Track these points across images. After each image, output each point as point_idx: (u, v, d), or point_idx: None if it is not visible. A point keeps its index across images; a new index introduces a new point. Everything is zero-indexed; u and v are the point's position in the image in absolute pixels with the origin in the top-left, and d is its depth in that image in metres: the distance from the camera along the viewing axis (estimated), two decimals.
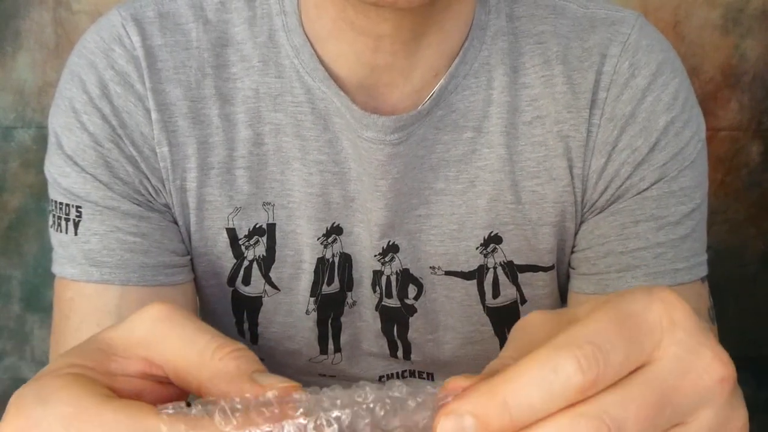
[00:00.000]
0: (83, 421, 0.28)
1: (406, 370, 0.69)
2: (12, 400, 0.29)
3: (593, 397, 0.26)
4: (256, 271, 0.63)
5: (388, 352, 0.67)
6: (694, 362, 0.28)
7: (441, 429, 0.27)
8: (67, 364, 0.30)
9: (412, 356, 0.67)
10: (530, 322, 0.31)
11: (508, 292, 0.64)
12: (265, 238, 0.62)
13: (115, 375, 0.31)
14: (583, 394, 0.26)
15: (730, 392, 0.28)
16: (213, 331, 0.31)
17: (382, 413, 0.28)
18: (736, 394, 0.29)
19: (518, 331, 0.32)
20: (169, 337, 0.30)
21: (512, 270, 0.64)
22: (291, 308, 0.65)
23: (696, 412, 0.28)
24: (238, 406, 0.27)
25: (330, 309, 0.65)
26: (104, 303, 0.58)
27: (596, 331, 0.27)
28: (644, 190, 0.60)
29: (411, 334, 0.66)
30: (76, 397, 0.28)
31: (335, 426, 0.28)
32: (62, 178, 0.59)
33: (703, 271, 0.63)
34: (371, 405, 0.28)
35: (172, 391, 0.32)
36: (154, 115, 0.59)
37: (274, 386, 0.28)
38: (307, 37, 0.59)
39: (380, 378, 0.69)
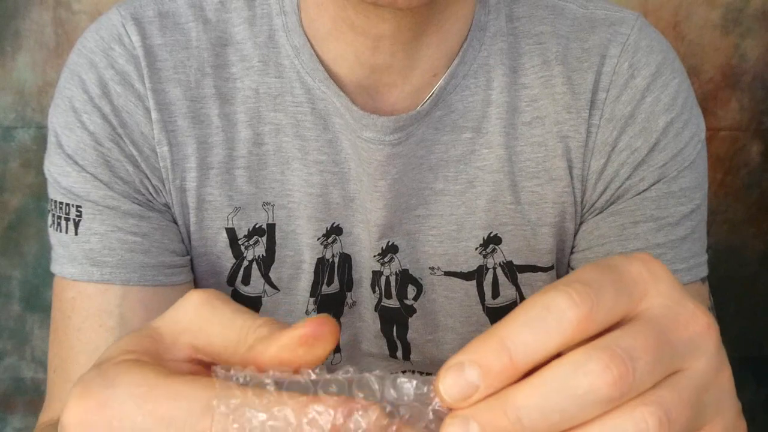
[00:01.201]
0: (156, 396, 0.27)
1: (405, 371, 0.69)
2: (76, 386, 0.29)
3: (604, 335, 0.26)
4: (255, 271, 0.63)
5: (387, 352, 0.67)
6: (680, 311, 0.28)
7: (444, 384, 0.26)
8: (121, 351, 0.30)
9: (412, 356, 0.67)
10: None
11: (507, 293, 0.64)
12: (264, 239, 0.62)
13: (166, 361, 0.31)
14: (580, 329, 0.26)
15: (718, 340, 0.29)
16: (250, 312, 0.31)
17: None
18: (722, 344, 0.29)
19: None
20: (211, 322, 0.30)
21: (512, 270, 0.64)
22: (291, 308, 0.65)
23: (690, 358, 0.28)
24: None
25: (329, 309, 0.65)
26: (106, 303, 0.58)
27: (583, 273, 0.27)
28: (644, 190, 0.60)
29: (410, 335, 0.66)
30: (143, 377, 0.28)
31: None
32: (62, 177, 0.59)
33: (703, 271, 0.63)
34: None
35: None
36: (154, 115, 0.59)
37: (302, 323, 0.28)
38: (306, 37, 0.59)
39: None
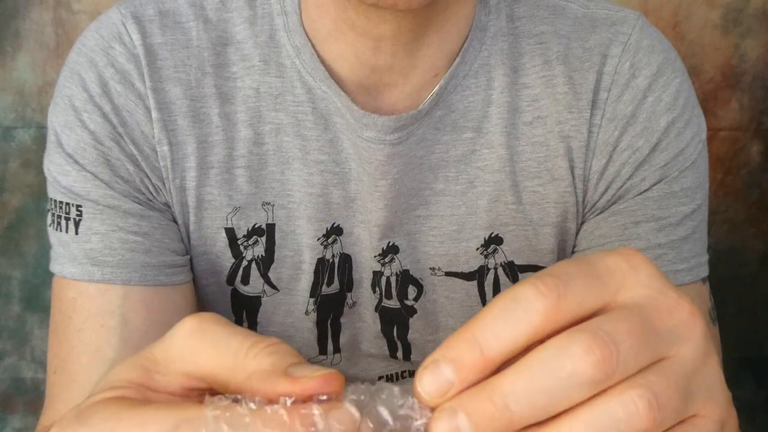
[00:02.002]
0: (123, 427, 0.28)
1: (405, 371, 0.69)
2: (52, 429, 0.29)
3: (585, 321, 0.27)
4: (254, 271, 0.63)
5: (387, 352, 0.67)
6: (662, 300, 0.28)
7: (421, 383, 0.27)
8: (109, 385, 0.30)
9: (412, 357, 0.67)
10: None
11: None
12: (264, 239, 0.62)
13: (156, 393, 0.31)
14: (548, 318, 0.26)
15: (704, 327, 0.29)
16: (246, 332, 0.30)
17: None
18: (709, 330, 0.29)
19: None
20: (203, 348, 0.30)
21: (513, 270, 0.64)
22: (290, 308, 0.64)
23: (676, 345, 0.28)
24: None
25: (330, 309, 0.65)
26: (107, 303, 0.58)
27: (555, 267, 0.28)
28: (645, 190, 0.60)
29: (411, 335, 0.66)
30: (114, 411, 0.28)
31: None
32: (62, 176, 0.59)
33: (704, 271, 0.63)
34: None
35: None
36: (154, 114, 0.58)
37: (309, 378, 0.28)
38: (307, 37, 0.59)
39: (379, 378, 0.69)
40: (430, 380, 0.27)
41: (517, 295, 0.27)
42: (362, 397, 0.28)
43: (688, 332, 0.28)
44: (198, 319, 0.30)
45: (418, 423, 0.27)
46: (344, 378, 0.28)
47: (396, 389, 0.28)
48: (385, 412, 0.28)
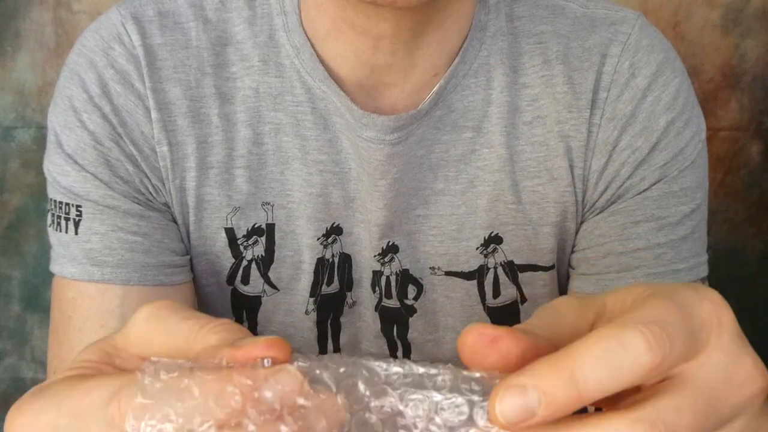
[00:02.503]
0: (71, 396, 0.29)
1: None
2: (13, 406, 0.31)
3: (650, 402, 0.26)
4: (254, 271, 0.63)
5: (387, 352, 0.67)
6: (737, 371, 0.28)
7: (501, 404, 0.26)
8: (71, 367, 0.31)
9: (412, 356, 0.67)
10: (558, 302, 0.31)
11: (508, 292, 0.64)
12: (263, 238, 0.62)
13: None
14: (650, 375, 0.26)
15: (763, 401, 0.28)
16: (199, 316, 0.31)
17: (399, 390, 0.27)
18: (766, 402, 0.29)
19: (546, 309, 0.31)
20: (157, 333, 0.31)
21: (512, 270, 0.64)
22: (290, 308, 0.64)
23: (733, 420, 0.28)
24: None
25: (329, 309, 0.65)
26: (106, 303, 0.58)
27: (659, 314, 0.27)
28: (644, 190, 0.60)
29: (411, 335, 0.66)
30: (68, 385, 0.30)
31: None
32: (62, 177, 0.59)
33: (704, 271, 0.63)
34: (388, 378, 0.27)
35: None
36: (153, 114, 0.58)
37: (252, 344, 0.28)
38: (307, 36, 0.59)
39: None
40: (513, 405, 0.26)
41: (625, 341, 0.26)
42: (309, 364, 0.27)
43: (750, 407, 0.28)
44: (154, 307, 0.31)
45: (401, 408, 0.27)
46: (290, 346, 0.28)
47: (377, 366, 0.27)
48: (363, 388, 0.27)
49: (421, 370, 0.28)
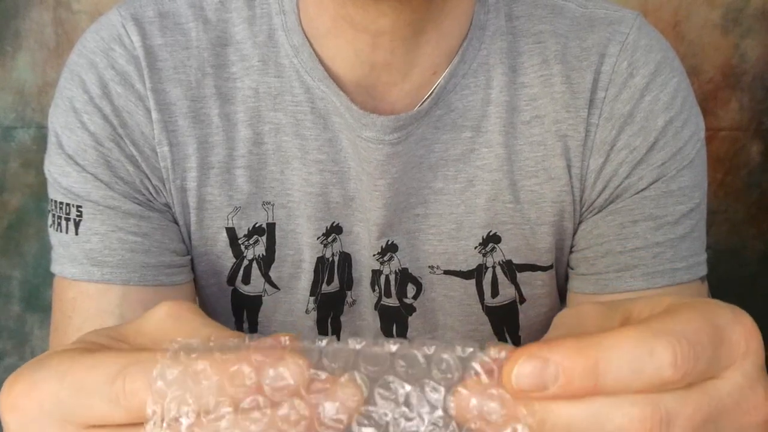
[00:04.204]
0: (75, 369, 0.28)
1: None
2: (11, 375, 0.30)
3: (658, 393, 0.27)
4: (255, 270, 0.63)
5: None
6: (749, 396, 0.28)
7: (519, 369, 0.26)
8: (72, 343, 0.31)
9: None
10: (582, 311, 0.32)
11: (506, 292, 0.64)
12: (264, 238, 0.62)
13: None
14: (668, 386, 0.26)
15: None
16: (217, 326, 0.31)
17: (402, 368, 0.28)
18: None
19: (568, 318, 0.32)
20: (175, 332, 0.31)
21: (511, 269, 0.64)
22: (291, 307, 0.65)
23: None
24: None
25: (330, 308, 0.65)
26: (106, 303, 0.58)
27: (693, 330, 0.27)
28: (642, 189, 0.60)
29: (410, 334, 0.66)
30: (69, 356, 0.29)
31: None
32: (62, 177, 0.59)
33: (702, 270, 0.63)
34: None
35: None
36: (154, 115, 0.59)
37: (275, 336, 0.28)
38: (306, 36, 0.59)
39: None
40: (530, 373, 0.26)
41: (654, 349, 0.26)
42: (323, 344, 0.28)
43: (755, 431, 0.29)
44: (176, 306, 0.32)
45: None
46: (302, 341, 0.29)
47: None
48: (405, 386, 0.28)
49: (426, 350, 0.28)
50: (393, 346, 0.28)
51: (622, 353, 0.26)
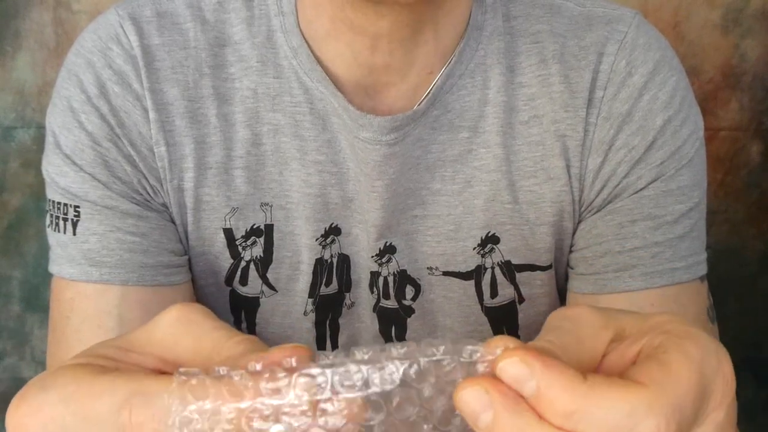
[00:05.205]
0: (81, 395, 0.28)
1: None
2: (17, 394, 0.30)
3: None
4: (253, 271, 0.63)
5: None
6: None
7: (505, 365, 0.27)
8: (74, 358, 0.31)
9: None
10: (577, 316, 0.32)
11: (506, 292, 0.64)
12: (262, 239, 0.62)
13: (127, 364, 0.31)
14: None
15: None
16: (227, 327, 0.31)
17: (412, 372, 0.28)
18: None
19: (562, 321, 0.32)
20: (185, 337, 0.31)
21: (510, 270, 0.64)
22: (289, 309, 0.64)
23: None
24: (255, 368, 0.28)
25: (328, 310, 0.65)
26: (104, 303, 0.58)
27: (682, 396, 0.27)
28: (641, 189, 0.60)
29: (409, 335, 0.66)
30: (74, 377, 0.29)
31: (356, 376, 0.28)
32: (60, 177, 0.59)
33: (702, 270, 0.62)
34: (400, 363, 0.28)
35: None
36: (151, 115, 0.58)
37: (277, 349, 0.29)
38: (304, 38, 0.59)
39: None
40: (513, 374, 0.27)
41: (639, 425, 0.26)
42: (332, 359, 0.28)
43: None
44: (185, 309, 0.32)
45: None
46: (311, 351, 0.29)
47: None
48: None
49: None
50: (399, 350, 0.29)
51: (605, 413, 0.26)
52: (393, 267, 0.63)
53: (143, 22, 0.60)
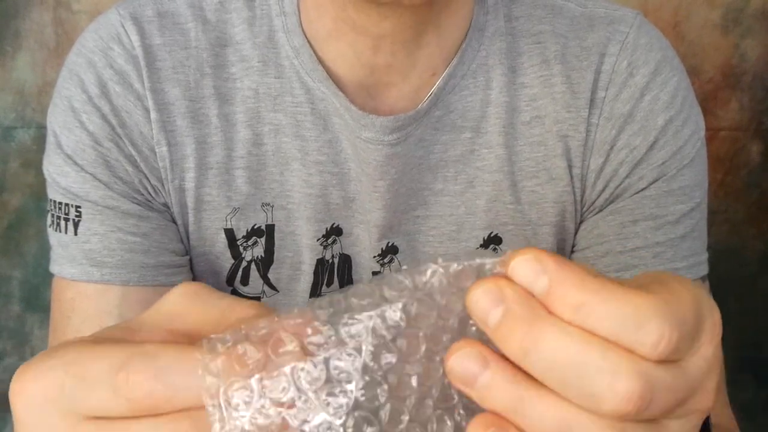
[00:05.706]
0: (81, 360, 0.29)
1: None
2: (22, 365, 0.30)
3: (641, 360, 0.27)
4: (254, 271, 0.63)
5: None
6: (706, 383, 0.28)
7: (516, 263, 0.27)
8: (81, 337, 0.31)
9: None
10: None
11: None
12: (263, 239, 0.62)
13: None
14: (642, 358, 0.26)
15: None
16: (234, 298, 0.31)
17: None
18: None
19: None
20: (193, 307, 0.31)
21: None
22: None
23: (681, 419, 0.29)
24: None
25: None
26: (105, 303, 0.58)
27: (683, 313, 0.27)
28: (643, 189, 0.60)
29: None
30: (76, 347, 0.29)
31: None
32: (61, 177, 0.59)
33: (704, 270, 0.63)
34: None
35: None
36: (153, 115, 0.58)
37: (289, 315, 0.29)
38: (306, 38, 0.59)
39: None
40: (525, 273, 0.27)
41: (643, 326, 0.26)
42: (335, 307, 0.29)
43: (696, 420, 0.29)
44: (191, 285, 0.32)
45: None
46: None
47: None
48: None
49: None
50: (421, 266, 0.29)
51: (612, 310, 0.26)
52: (395, 267, 0.63)
53: (144, 21, 0.60)
